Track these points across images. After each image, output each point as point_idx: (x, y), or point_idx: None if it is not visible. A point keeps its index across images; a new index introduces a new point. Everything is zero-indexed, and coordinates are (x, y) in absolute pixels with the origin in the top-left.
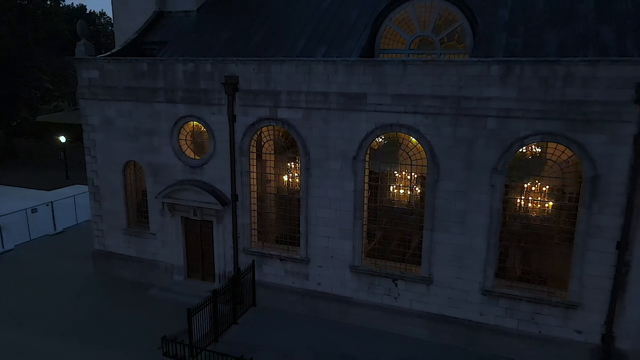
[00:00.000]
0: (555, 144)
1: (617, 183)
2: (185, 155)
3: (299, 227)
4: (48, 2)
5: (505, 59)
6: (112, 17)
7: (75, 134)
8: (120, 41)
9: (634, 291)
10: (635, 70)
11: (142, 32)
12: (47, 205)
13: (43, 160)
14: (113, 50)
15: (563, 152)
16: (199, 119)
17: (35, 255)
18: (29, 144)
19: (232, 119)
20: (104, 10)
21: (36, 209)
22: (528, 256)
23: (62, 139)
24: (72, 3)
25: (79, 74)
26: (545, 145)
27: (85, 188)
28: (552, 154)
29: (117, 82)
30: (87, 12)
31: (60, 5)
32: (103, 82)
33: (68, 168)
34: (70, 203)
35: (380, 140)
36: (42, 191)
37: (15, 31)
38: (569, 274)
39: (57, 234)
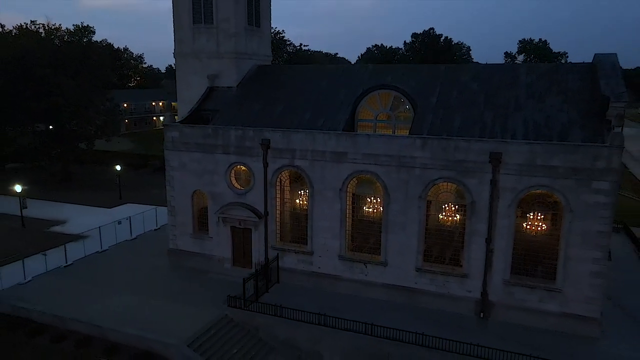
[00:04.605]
0: (452, 183)
1: (483, 205)
2: (234, 186)
3: (307, 232)
4: (99, 45)
5: (423, 136)
6: (141, 56)
7: (116, 160)
8: (181, 107)
9: (496, 267)
10: (489, 146)
11: (200, 102)
12: (127, 219)
13: (93, 183)
14: (184, 117)
15: (456, 187)
16: (244, 165)
17: (124, 253)
18: (78, 169)
19: (266, 165)
20: (127, 46)
21: (120, 221)
22: (441, 248)
23: (118, 167)
24: (103, 40)
25: (165, 134)
26: (446, 184)
27: (136, 206)
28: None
29: (190, 139)
30: (115, 48)
31: (98, 42)
32: (181, 139)
33: (115, 189)
34: (137, 218)
35: (356, 179)
36: (104, 209)
37: (76, 81)
38: (463, 257)
39: (133, 239)
